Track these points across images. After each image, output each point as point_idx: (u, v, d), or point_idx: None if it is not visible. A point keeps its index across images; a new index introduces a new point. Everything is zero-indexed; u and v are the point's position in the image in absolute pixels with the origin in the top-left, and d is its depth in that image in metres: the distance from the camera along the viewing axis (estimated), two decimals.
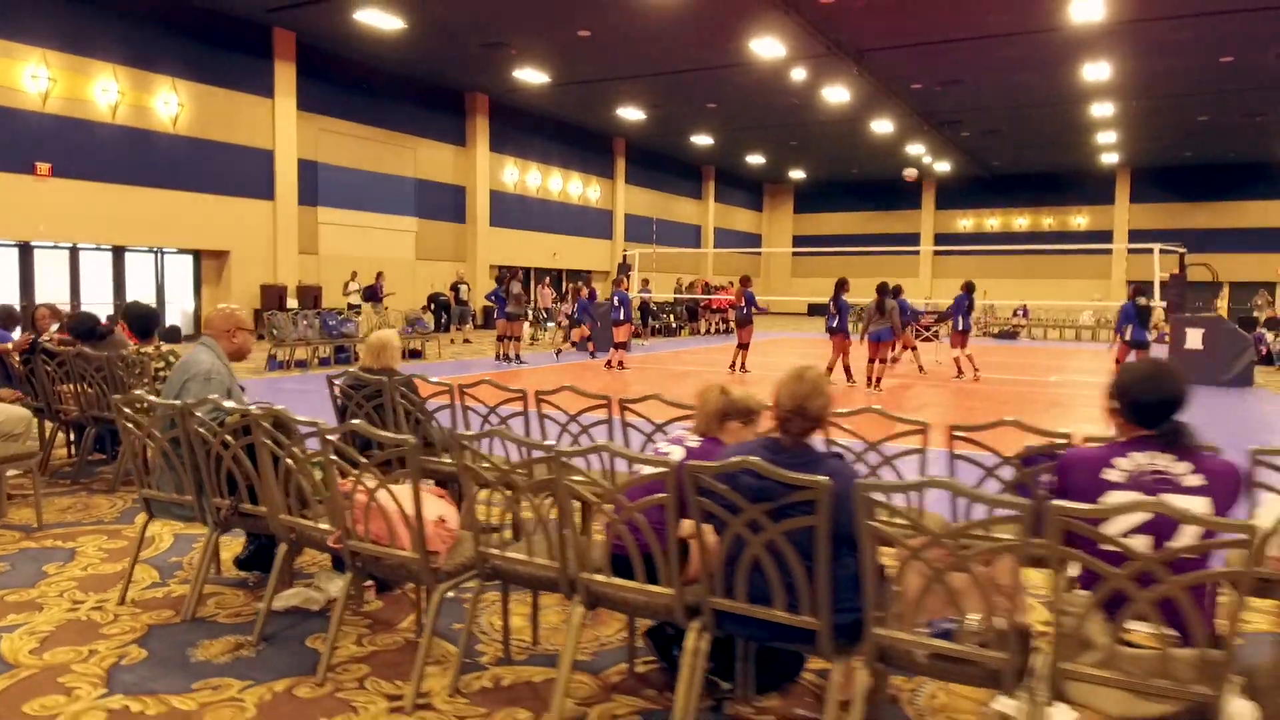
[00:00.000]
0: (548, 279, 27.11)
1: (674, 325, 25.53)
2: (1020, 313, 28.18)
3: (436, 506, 3.22)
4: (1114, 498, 2.28)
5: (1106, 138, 28.70)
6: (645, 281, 24.23)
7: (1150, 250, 16.61)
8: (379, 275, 19.64)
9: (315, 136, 20.52)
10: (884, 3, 16.37)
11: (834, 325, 12.91)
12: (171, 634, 3.55)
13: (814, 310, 33.34)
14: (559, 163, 29.16)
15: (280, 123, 19.30)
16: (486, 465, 3.24)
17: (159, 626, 3.63)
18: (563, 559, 2.88)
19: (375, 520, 3.12)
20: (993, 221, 37.82)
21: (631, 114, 26.73)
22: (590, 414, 4.27)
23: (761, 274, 41.73)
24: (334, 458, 3.14)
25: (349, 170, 21.58)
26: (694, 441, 3.07)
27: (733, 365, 14.49)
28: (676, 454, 2.94)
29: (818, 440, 2.81)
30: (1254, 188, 32.92)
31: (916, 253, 36.98)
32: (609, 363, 14.97)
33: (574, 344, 18.12)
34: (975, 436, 3.41)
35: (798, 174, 39.24)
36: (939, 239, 38.65)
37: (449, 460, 4.16)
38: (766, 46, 18.38)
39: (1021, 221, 37.20)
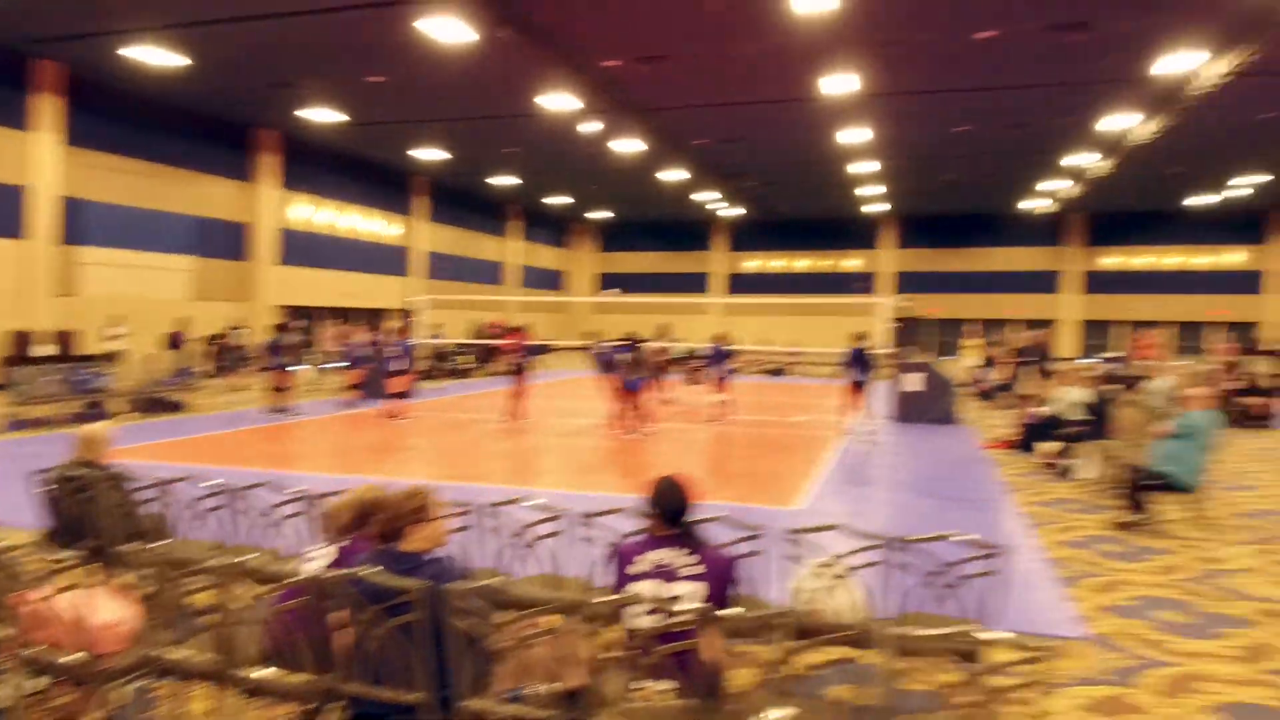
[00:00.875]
0: (338, 319, 26.62)
1: (461, 368, 25.73)
2: (786, 352, 30.48)
3: (112, 609, 3.55)
4: (636, 585, 3.03)
5: (873, 190, 31.83)
6: (437, 326, 24.29)
7: (879, 300, 18.76)
8: (180, 324, 19.29)
9: (84, 173, 19.35)
10: (662, 70, 17.67)
11: (622, 378, 13.65)
12: None
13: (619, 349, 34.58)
14: (356, 200, 28.80)
15: (38, 158, 18.08)
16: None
17: None
18: (223, 654, 3.32)
19: (51, 626, 3.41)
20: (778, 263, 40.77)
21: (432, 154, 26.93)
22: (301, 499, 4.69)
23: (565, 311, 42.73)
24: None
25: (120, 208, 20.45)
26: (345, 541, 3.59)
27: (507, 415, 14.78)
28: (322, 559, 3.45)
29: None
30: (994, 236, 37.52)
31: (704, 296, 39.30)
32: (387, 414, 15.08)
33: (352, 387, 17.60)
34: (602, 519, 4.15)
35: (602, 214, 40.65)
36: (733, 279, 41.22)
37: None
38: (557, 101, 19.23)
39: (803, 263, 40.33)
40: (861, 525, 7.78)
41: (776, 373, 29.12)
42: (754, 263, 41.10)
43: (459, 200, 34.20)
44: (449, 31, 14.52)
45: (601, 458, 11.75)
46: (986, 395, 19.24)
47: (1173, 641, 5.08)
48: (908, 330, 18.57)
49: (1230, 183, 28.37)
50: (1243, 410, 14.95)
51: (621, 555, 3.18)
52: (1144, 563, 6.68)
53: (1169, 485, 7.41)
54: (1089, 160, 24.90)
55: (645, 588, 2.98)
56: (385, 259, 30.49)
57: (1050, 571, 6.39)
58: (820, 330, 35.38)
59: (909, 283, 38.24)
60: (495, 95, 19.88)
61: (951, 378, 15.78)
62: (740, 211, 37.34)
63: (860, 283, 38.50)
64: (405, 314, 22.88)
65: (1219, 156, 24.80)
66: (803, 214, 38.05)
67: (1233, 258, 34.98)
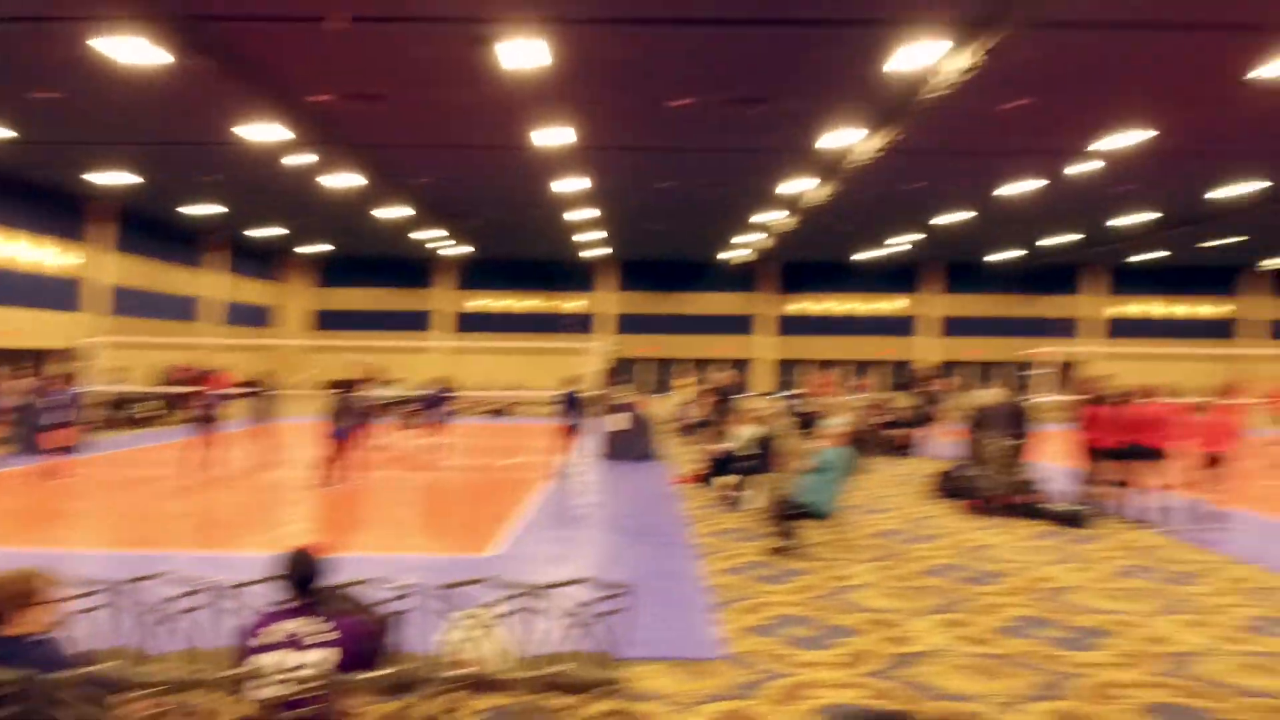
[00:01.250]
0: None
1: (141, 417, 23.41)
2: (506, 394, 30.96)
3: None
4: (261, 657, 3.10)
5: (593, 235, 33.26)
6: (120, 369, 21.93)
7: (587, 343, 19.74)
8: None
9: None
10: (378, 108, 17.41)
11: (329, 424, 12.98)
12: None
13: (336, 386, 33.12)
14: (23, 225, 25.26)
15: None
16: None
17: None
18: None
19: None
20: (503, 303, 41.26)
21: (119, 178, 24.34)
22: None
23: (275, 352, 40.20)
24: None
25: None
26: None
27: (193, 469, 13.76)
28: None
29: None
30: (702, 281, 40.69)
31: (427, 335, 38.88)
32: (44, 473, 13.14)
33: None
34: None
35: (318, 247, 38.82)
36: (460, 318, 41.07)
37: None
38: (262, 131, 18.23)
39: (528, 304, 41.15)
40: (553, 565, 8.22)
41: (498, 414, 29.37)
42: (480, 302, 41.28)
43: (152, 229, 31.12)
44: (134, 53, 13.32)
45: (295, 512, 11.27)
46: (688, 431, 20.75)
47: (795, 654, 5.91)
48: (621, 370, 19.66)
49: (889, 240, 33.04)
50: (888, 441, 17.42)
51: (249, 628, 3.23)
52: (786, 584, 7.66)
53: (809, 513, 8.57)
54: (775, 217, 27.90)
55: (270, 659, 3.06)
56: (57, 293, 26.96)
57: (706, 598, 7.15)
58: (544, 370, 36.21)
59: (629, 324, 40.33)
60: (192, 121, 18.45)
61: (652, 417, 16.92)
62: (467, 250, 37.36)
63: (572, 323, 40.00)
64: (77, 358, 20.35)
65: (878, 218, 28.87)
66: (528, 255, 38.89)
67: (893, 304, 40.72)
